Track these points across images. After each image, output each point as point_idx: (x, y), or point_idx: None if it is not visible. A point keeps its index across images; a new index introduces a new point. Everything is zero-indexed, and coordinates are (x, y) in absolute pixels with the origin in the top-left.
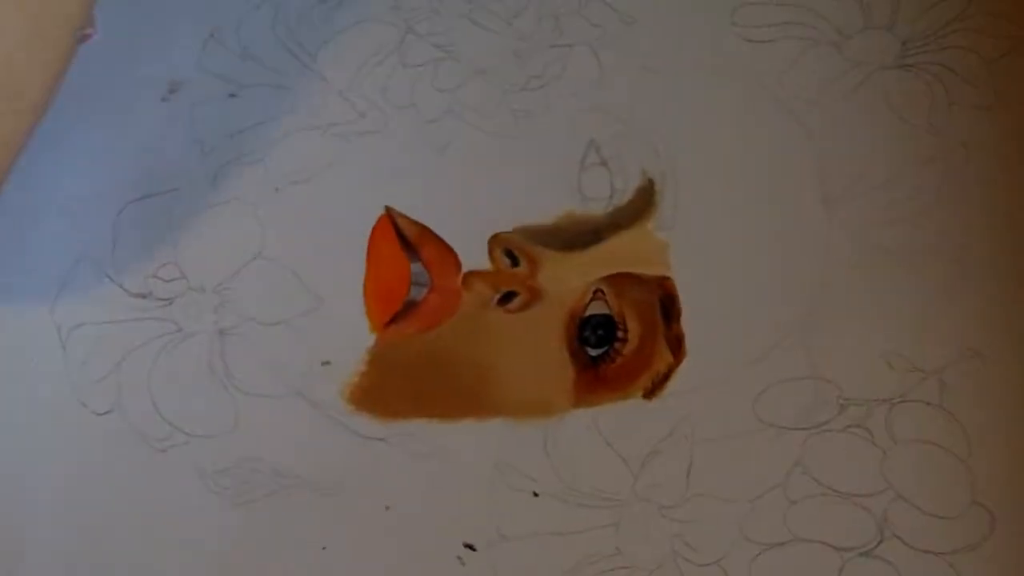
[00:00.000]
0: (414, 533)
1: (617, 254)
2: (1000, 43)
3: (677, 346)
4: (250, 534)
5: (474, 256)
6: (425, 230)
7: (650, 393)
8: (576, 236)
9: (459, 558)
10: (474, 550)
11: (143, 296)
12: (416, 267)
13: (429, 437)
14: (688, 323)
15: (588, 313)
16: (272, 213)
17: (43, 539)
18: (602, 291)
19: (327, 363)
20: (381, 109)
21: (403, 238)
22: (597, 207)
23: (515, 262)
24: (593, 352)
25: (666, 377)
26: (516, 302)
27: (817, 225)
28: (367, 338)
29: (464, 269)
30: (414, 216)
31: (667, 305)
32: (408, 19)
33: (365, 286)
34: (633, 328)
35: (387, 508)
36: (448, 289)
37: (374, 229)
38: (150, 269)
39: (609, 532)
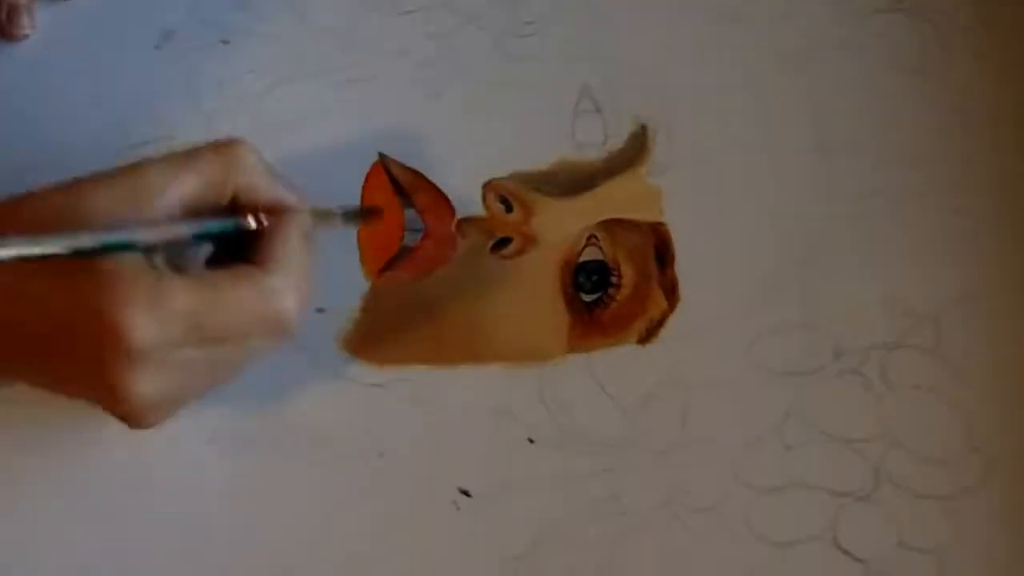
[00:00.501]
0: (409, 479)
1: (611, 200)
2: None
3: (671, 292)
4: (244, 482)
5: (468, 202)
6: (419, 176)
7: (645, 339)
8: (570, 182)
9: (454, 503)
10: (469, 496)
11: None
12: (410, 213)
13: (424, 383)
14: (682, 269)
15: (582, 259)
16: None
17: (40, 488)
18: (596, 237)
19: (321, 310)
20: (373, 56)
21: (397, 184)
22: (591, 153)
23: (509, 208)
24: (587, 298)
25: (660, 323)
26: (510, 248)
27: (811, 170)
28: (362, 285)
29: (458, 215)
30: (407, 163)
31: (661, 251)
32: None
33: (359, 233)
34: (627, 274)
35: (381, 455)
36: (443, 235)
37: (367, 175)
38: None
39: (605, 478)
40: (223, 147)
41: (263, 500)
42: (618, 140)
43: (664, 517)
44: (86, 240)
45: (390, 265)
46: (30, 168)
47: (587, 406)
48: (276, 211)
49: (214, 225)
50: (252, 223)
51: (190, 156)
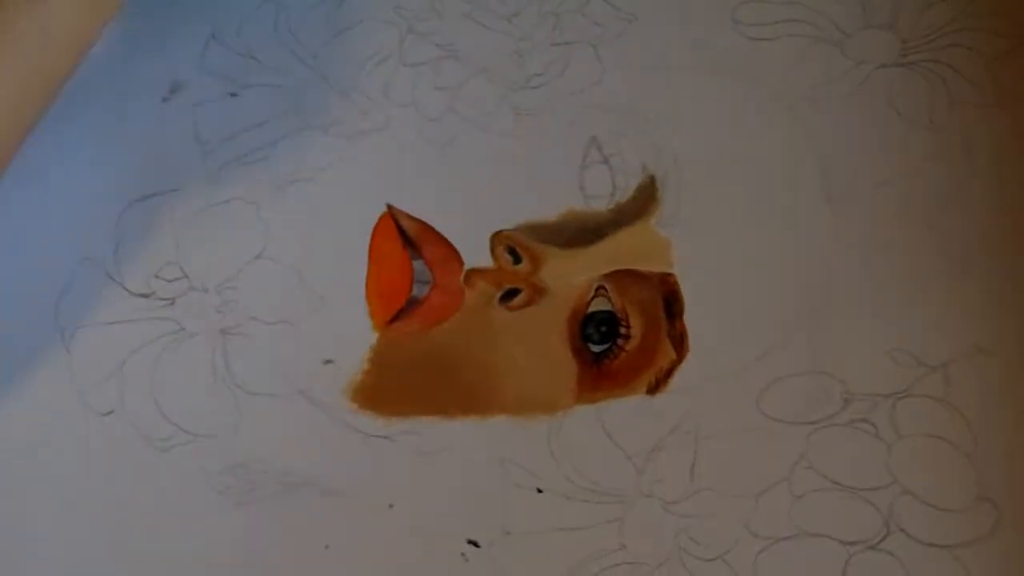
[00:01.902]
0: (418, 531)
1: (619, 251)
2: (1000, 42)
3: (680, 342)
4: (253, 534)
5: (476, 254)
6: (427, 228)
7: (654, 389)
8: (578, 233)
9: (463, 555)
10: (478, 547)
11: (145, 296)
12: (418, 265)
13: (433, 435)
14: (691, 319)
15: (591, 310)
16: (274, 212)
17: (44, 540)
18: (605, 288)
19: (329, 362)
20: (382, 108)
21: (405, 236)
22: (599, 204)
23: (517, 259)
24: (596, 349)
25: (669, 373)
26: (519, 299)
27: (820, 221)
28: (370, 336)
29: (466, 267)
30: (416, 214)
31: (670, 302)
32: (409, 18)
33: (367, 284)
34: (636, 325)
35: (391, 506)
36: (451, 287)
37: (376, 227)
38: (152, 269)
39: (614, 528)
40: None
41: (272, 552)
42: (626, 191)
43: (673, 567)
44: None
45: (398, 316)
46: (37, 218)
47: (596, 456)
48: None
49: None
50: None
51: None
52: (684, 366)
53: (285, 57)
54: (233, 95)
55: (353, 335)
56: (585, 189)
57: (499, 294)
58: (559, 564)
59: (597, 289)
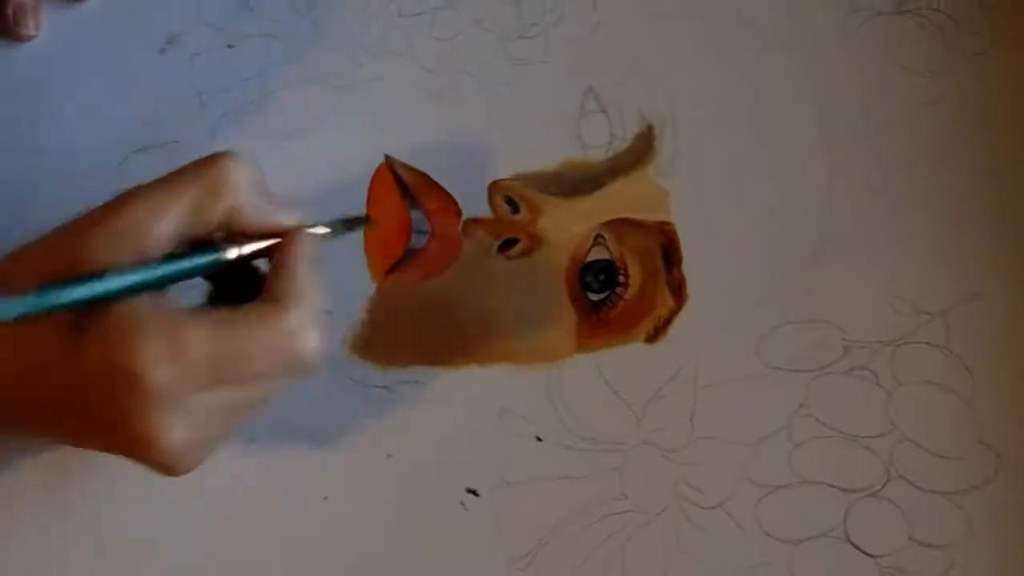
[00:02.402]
0: (417, 480)
1: (617, 200)
2: None
3: (679, 290)
4: (252, 483)
5: (474, 204)
6: (425, 178)
7: (652, 337)
8: (576, 183)
9: (462, 504)
10: (477, 496)
11: None
12: (416, 215)
13: (431, 384)
14: (689, 268)
15: (589, 259)
16: (271, 163)
17: (43, 486)
18: (603, 237)
19: (328, 312)
20: (379, 58)
21: (403, 186)
22: (597, 154)
23: (515, 209)
24: (595, 297)
25: (668, 321)
26: (517, 249)
27: (818, 168)
28: (368, 287)
29: (464, 217)
30: (414, 165)
31: (668, 250)
32: None
33: (365, 235)
34: (634, 273)
35: (389, 456)
36: (449, 237)
37: (374, 177)
38: None
39: (613, 476)
40: (205, 167)
41: (270, 502)
42: (624, 140)
43: (673, 515)
44: (75, 292)
45: (396, 267)
46: (35, 170)
47: (595, 405)
48: (268, 235)
49: (194, 264)
50: (231, 255)
51: (172, 183)
52: (683, 314)
53: (281, 8)
54: (230, 46)
55: (351, 286)
56: (582, 138)
57: (497, 244)
58: (559, 513)
59: (595, 238)
